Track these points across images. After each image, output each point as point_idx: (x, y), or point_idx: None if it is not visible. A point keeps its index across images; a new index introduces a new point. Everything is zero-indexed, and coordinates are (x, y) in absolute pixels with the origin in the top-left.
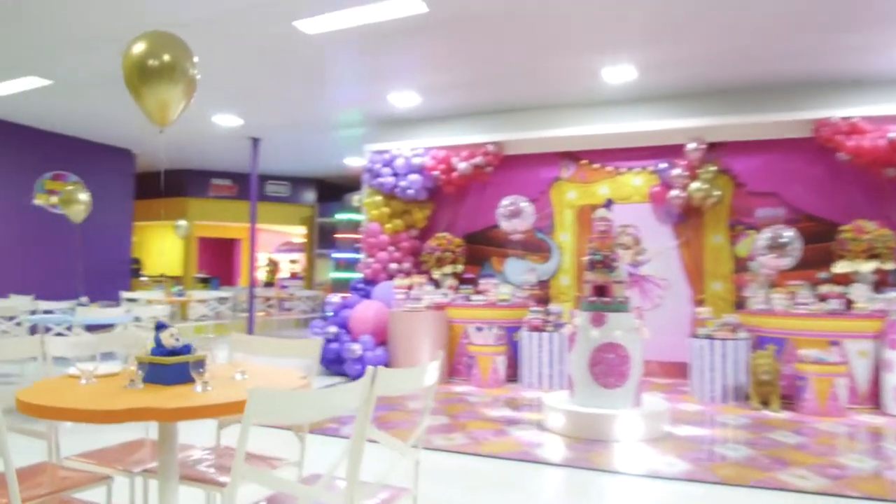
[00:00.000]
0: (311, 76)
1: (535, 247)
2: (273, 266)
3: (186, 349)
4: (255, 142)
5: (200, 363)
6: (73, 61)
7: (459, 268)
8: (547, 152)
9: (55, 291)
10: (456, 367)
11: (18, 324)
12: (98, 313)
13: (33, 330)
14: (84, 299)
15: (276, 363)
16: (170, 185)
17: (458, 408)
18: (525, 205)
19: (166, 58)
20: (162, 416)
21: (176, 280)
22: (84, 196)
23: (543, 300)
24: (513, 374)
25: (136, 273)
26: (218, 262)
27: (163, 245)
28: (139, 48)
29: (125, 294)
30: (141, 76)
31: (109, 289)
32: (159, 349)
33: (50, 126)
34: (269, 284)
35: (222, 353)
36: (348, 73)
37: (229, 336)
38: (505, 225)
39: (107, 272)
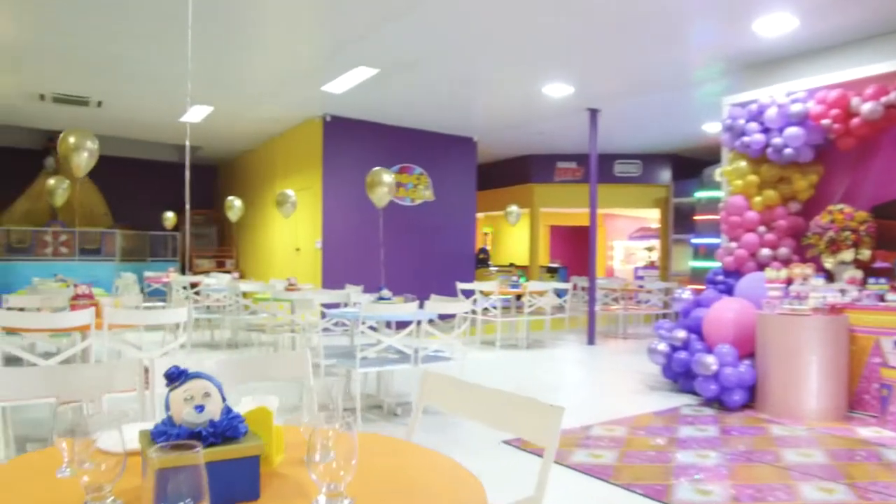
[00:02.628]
0: (648, 13)
1: None
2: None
3: (229, 429)
4: (593, 114)
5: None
6: (390, 43)
7: (865, 253)
8: None
9: (394, 283)
10: (860, 397)
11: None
12: (383, 309)
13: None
14: (386, 292)
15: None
16: (514, 172)
17: (863, 471)
18: None
19: None
20: None
21: (522, 270)
22: (388, 178)
23: None
24: None
25: (483, 263)
26: (573, 250)
27: (516, 234)
28: None
29: (461, 286)
30: None
31: (452, 280)
32: (164, 428)
33: (391, 119)
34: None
35: (501, 371)
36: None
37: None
38: None
39: (452, 263)
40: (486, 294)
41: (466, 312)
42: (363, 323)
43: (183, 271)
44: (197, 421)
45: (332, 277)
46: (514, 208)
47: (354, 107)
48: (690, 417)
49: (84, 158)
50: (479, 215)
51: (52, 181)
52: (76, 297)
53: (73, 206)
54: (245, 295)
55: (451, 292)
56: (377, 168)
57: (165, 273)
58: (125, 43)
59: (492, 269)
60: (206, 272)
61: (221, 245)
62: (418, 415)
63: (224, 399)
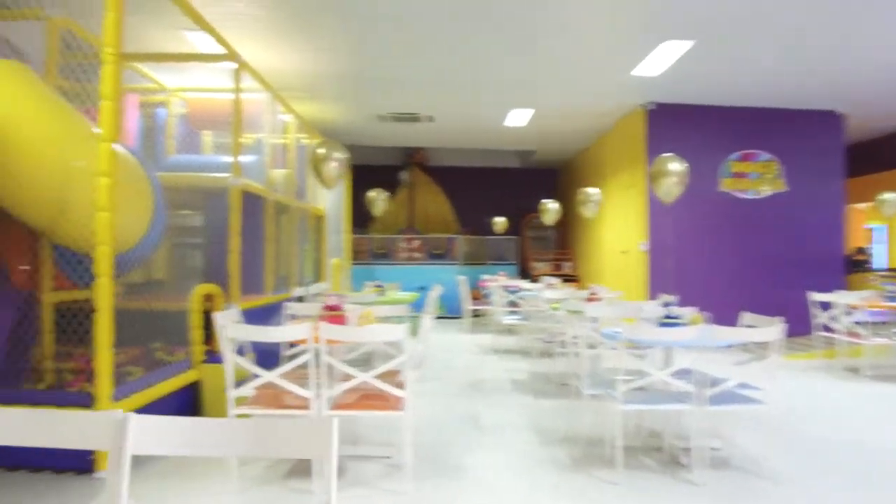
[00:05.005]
0: None
1: None
2: None
3: None
4: None
5: None
6: (702, 4)
7: None
8: None
9: (721, 293)
10: None
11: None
12: (645, 332)
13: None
14: (674, 310)
15: None
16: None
17: None
18: None
19: None
20: None
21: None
22: (676, 166)
23: None
24: None
25: (861, 266)
26: None
27: None
28: None
29: (816, 296)
30: None
31: (809, 288)
32: None
33: (725, 99)
34: None
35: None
36: None
37: None
38: None
39: (809, 267)
40: (852, 308)
41: (776, 338)
42: (628, 346)
43: (523, 276)
44: None
45: (659, 284)
46: (888, 196)
47: (677, 90)
48: None
49: (332, 168)
50: (861, 206)
51: (371, 193)
52: (325, 307)
53: (427, 213)
54: (549, 303)
55: (800, 304)
56: (665, 155)
57: (495, 277)
58: (443, 58)
59: (879, 273)
60: (540, 276)
61: (561, 248)
62: None
63: None
